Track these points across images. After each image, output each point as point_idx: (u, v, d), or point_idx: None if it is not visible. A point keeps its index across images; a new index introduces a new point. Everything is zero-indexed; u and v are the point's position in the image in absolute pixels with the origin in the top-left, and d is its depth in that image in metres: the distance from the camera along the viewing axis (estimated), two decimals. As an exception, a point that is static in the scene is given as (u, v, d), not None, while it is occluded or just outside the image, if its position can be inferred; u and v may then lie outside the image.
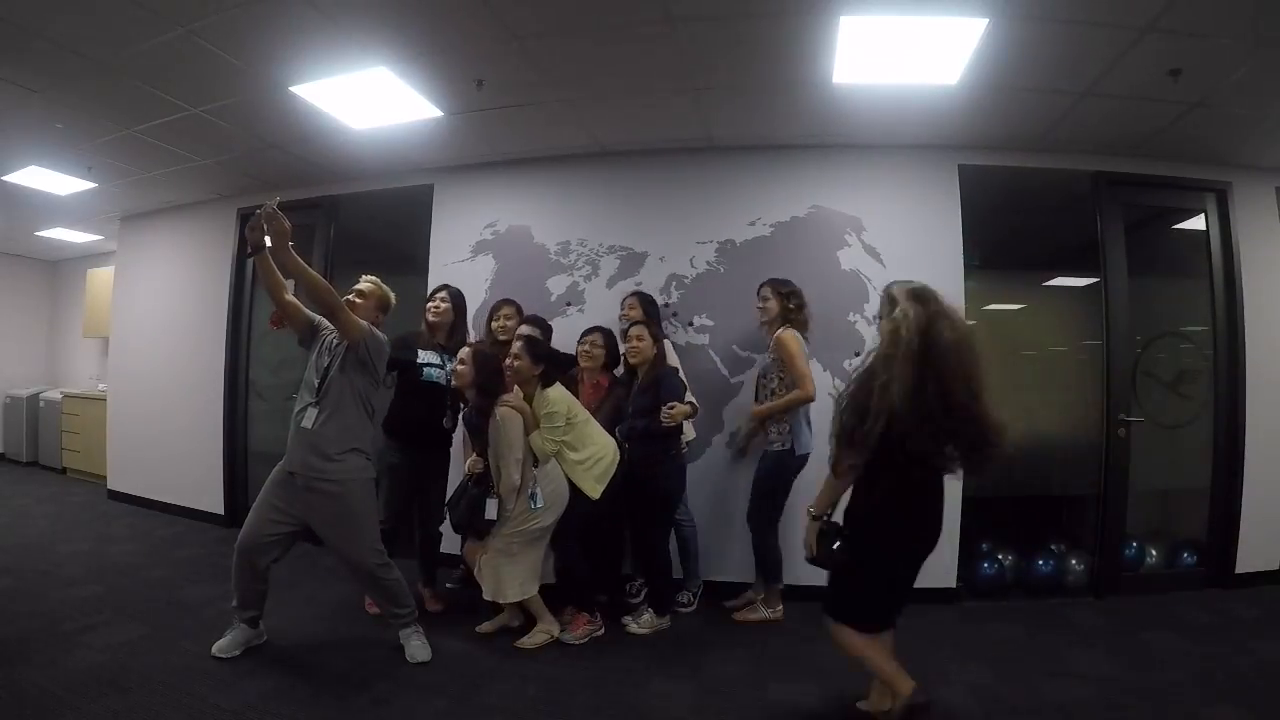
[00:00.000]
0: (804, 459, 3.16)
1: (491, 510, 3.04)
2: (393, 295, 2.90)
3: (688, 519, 3.45)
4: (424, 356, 3.19)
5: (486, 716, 2.35)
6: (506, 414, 2.85)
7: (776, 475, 3.20)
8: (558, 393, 2.97)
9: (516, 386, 2.95)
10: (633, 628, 3.09)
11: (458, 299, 3.36)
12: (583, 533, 2.98)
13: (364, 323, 2.60)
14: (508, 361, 2.94)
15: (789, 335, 3.16)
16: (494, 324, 3.46)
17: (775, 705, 2.46)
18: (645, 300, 3.52)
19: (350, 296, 2.70)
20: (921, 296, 2.04)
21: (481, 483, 3.00)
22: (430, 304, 3.32)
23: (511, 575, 2.87)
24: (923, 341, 1.94)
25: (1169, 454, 3.82)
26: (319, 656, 2.75)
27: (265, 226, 2.39)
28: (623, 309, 3.54)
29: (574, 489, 2.95)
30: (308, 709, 2.32)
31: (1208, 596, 3.54)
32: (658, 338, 3.21)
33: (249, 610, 2.69)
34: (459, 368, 2.97)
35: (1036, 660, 2.83)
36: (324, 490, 2.55)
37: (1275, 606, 3.39)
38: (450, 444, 3.37)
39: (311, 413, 2.55)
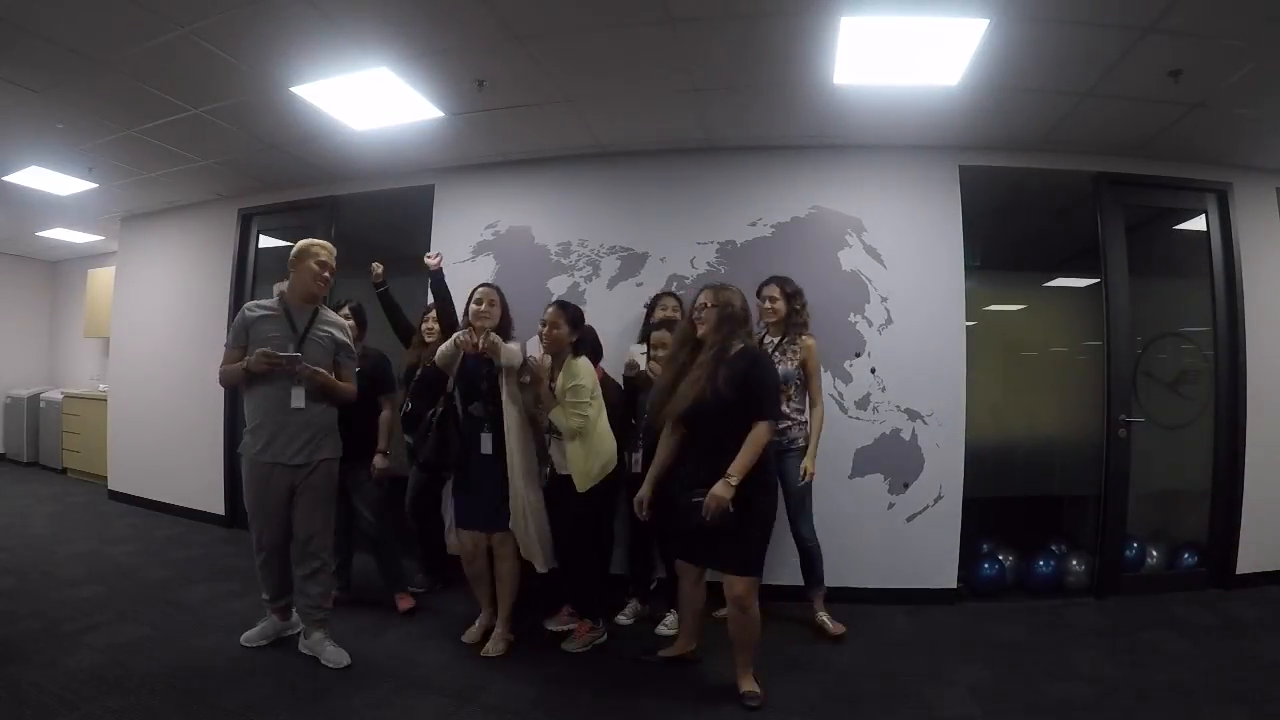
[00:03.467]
0: None
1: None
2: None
3: None
4: None
5: (486, 716, 2.35)
6: (584, 362, 2.85)
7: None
8: (586, 365, 2.86)
9: (548, 356, 2.89)
10: (661, 630, 3.10)
11: (360, 314, 3.39)
12: (583, 535, 2.96)
13: (351, 386, 2.81)
14: (543, 331, 2.86)
15: (813, 343, 3.18)
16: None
17: (775, 705, 2.45)
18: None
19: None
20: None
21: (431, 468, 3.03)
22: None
23: (538, 538, 2.79)
24: None
25: (1169, 454, 3.82)
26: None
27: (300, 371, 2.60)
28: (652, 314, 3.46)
29: (568, 488, 2.86)
30: (309, 709, 2.32)
31: (1208, 597, 3.54)
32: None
33: (283, 599, 2.78)
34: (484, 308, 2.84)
35: (1037, 661, 2.83)
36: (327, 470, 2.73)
37: (1276, 607, 3.39)
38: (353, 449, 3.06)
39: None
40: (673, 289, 3.79)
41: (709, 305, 2.47)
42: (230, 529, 4.66)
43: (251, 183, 4.67)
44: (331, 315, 2.81)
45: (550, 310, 2.90)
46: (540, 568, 2.83)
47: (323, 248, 2.74)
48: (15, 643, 2.69)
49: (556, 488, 2.92)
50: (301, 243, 2.75)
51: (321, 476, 2.69)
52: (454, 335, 2.79)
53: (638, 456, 3.10)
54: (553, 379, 2.86)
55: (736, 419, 2.34)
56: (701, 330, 2.46)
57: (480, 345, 2.71)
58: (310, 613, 2.72)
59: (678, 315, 3.33)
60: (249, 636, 2.74)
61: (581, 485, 2.81)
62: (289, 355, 2.56)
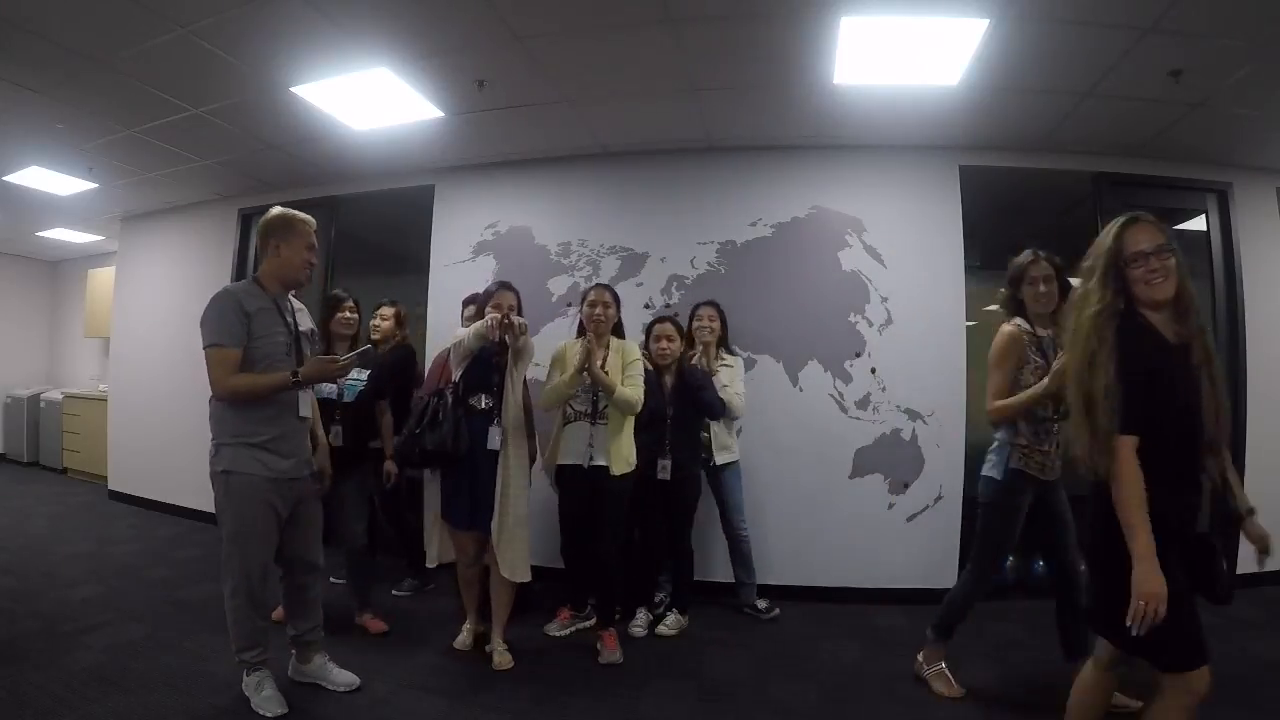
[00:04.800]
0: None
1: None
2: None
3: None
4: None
5: (486, 716, 2.35)
6: (630, 344, 2.96)
7: None
8: (633, 344, 2.98)
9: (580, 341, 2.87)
10: (662, 630, 3.09)
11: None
12: (617, 531, 2.89)
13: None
14: (596, 312, 2.85)
15: None
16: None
17: (776, 705, 2.45)
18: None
19: None
20: None
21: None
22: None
23: (526, 548, 2.72)
24: None
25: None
26: (319, 657, 2.74)
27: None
28: (701, 319, 3.34)
29: (594, 481, 2.82)
30: (310, 708, 2.32)
31: (1208, 597, 3.54)
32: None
33: (263, 643, 2.35)
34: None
35: (1037, 661, 2.83)
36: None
37: (1276, 607, 3.39)
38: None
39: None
40: (672, 289, 3.81)
41: (1167, 250, 1.53)
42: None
43: (251, 183, 4.67)
44: (297, 303, 2.42)
45: (595, 291, 2.93)
46: (518, 578, 2.70)
47: (310, 226, 2.30)
48: (15, 643, 2.69)
49: (581, 482, 2.83)
50: (283, 213, 2.27)
51: (313, 485, 2.43)
52: (476, 324, 2.68)
53: (665, 464, 3.03)
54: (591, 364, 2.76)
55: None
56: (1164, 290, 1.55)
57: (510, 331, 2.62)
58: (316, 634, 2.49)
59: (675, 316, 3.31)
60: (270, 707, 2.24)
61: (619, 469, 2.78)
62: (360, 351, 2.40)
